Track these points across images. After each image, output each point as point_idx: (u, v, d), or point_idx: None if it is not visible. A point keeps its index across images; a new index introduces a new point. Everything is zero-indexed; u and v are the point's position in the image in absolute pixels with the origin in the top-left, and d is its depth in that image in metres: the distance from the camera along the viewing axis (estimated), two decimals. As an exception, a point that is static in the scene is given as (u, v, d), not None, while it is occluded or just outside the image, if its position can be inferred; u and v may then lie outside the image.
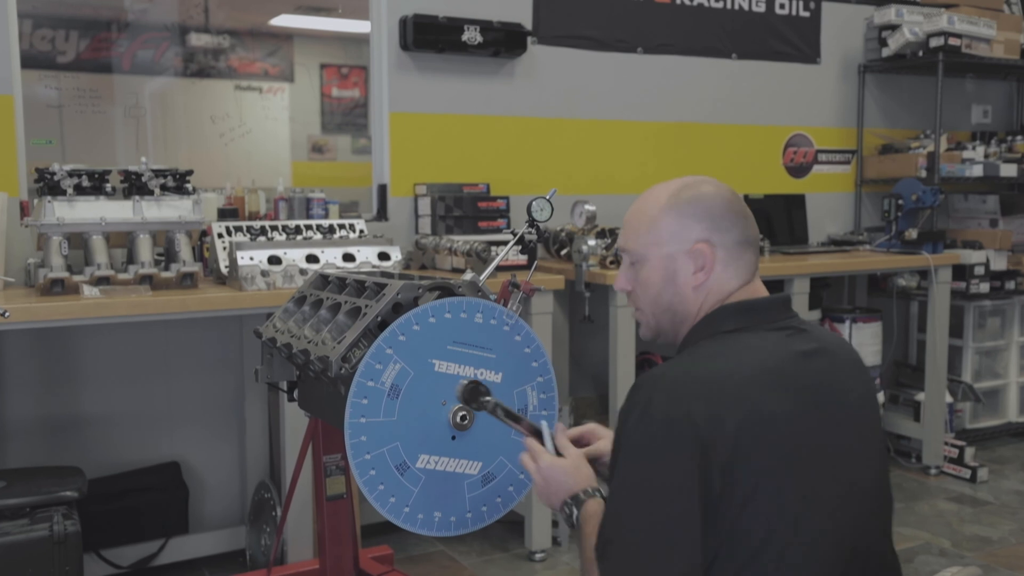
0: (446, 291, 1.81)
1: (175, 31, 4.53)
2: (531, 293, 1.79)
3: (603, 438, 1.62)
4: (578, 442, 1.60)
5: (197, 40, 4.92)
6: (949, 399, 4.05)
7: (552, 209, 1.95)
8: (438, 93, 3.49)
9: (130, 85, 4.47)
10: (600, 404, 3.77)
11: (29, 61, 4.40)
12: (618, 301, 3.15)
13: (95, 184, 2.55)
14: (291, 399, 2.17)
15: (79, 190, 2.53)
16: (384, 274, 2.08)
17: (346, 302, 1.88)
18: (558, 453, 1.52)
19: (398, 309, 1.73)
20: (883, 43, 4.23)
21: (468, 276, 1.86)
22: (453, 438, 1.70)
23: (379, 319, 1.72)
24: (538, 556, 3.07)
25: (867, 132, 4.46)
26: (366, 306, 1.78)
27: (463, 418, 1.69)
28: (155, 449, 3.05)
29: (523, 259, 3.04)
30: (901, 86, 4.54)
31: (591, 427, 1.66)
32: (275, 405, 2.93)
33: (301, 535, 2.74)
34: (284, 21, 5.45)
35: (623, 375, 3.18)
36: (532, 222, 1.93)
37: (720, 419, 1.23)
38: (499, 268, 2.03)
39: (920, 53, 4.13)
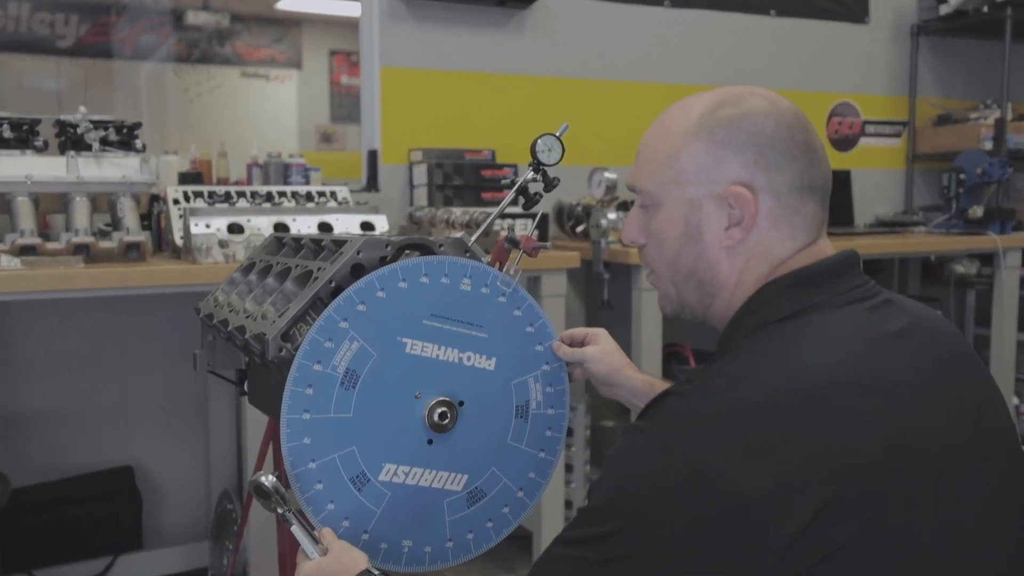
0: (424, 250, 1.39)
1: (169, 16, 4.25)
2: (534, 252, 1.36)
3: (600, 343, 1.38)
4: (576, 342, 1.39)
5: (195, 18, 4.65)
6: (1016, 401, 3.60)
7: (563, 149, 1.52)
8: (437, 46, 3.08)
9: (131, 71, 4.22)
10: (620, 403, 3.33)
11: (27, 45, 4.11)
12: (642, 284, 2.72)
13: (21, 136, 2.16)
14: (242, 392, 1.76)
15: (1, 142, 2.13)
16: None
17: (297, 266, 1.46)
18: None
19: (358, 272, 1.31)
20: (941, -1, 3.78)
21: (456, 234, 1.44)
22: (430, 442, 1.27)
23: (333, 284, 1.30)
24: (548, 578, 2.65)
25: (920, 102, 4.00)
26: (318, 269, 1.37)
27: (443, 416, 1.26)
28: (104, 452, 2.66)
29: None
30: (957, 51, 4.09)
31: (593, 331, 1.40)
32: (241, 401, 2.52)
33: (266, 553, 2.32)
34: (291, 5, 5.19)
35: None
36: (538, 166, 1.50)
37: (781, 477, 0.80)
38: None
39: (984, 9, 3.67)
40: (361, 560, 1.12)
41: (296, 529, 1.14)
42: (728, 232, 0.98)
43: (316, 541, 1.14)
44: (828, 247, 1.01)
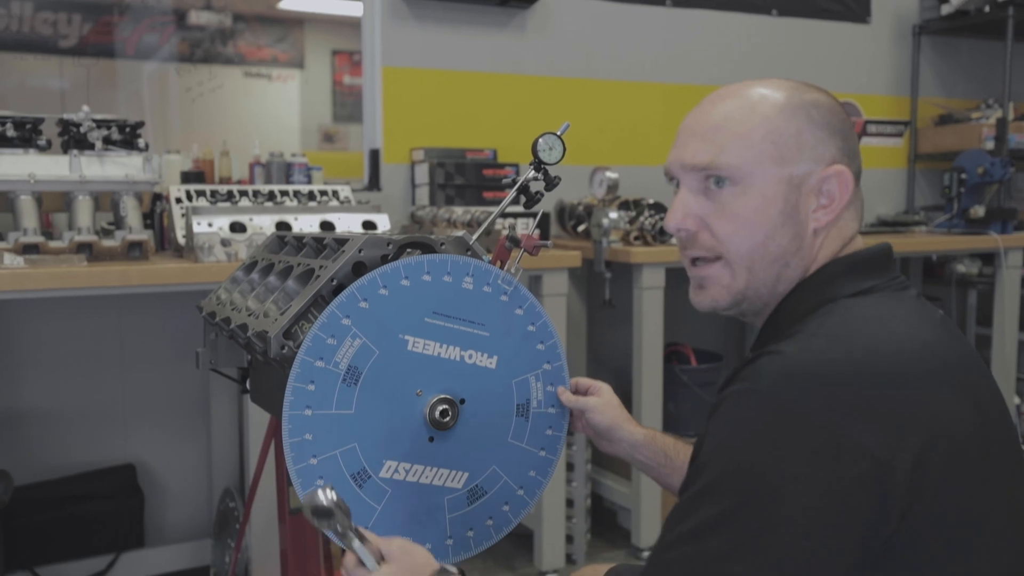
0: (426, 249, 1.39)
1: (171, 16, 4.25)
2: (535, 250, 1.37)
3: (603, 395, 1.38)
4: (580, 391, 1.39)
5: (197, 18, 4.66)
6: (1017, 401, 3.60)
7: (564, 148, 1.52)
8: (439, 46, 3.08)
9: (134, 71, 4.22)
10: (621, 402, 3.33)
11: (30, 45, 4.12)
12: (643, 283, 2.72)
13: (24, 135, 2.16)
14: (244, 390, 1.77)
15: (4, 141, 2.13)
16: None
17: (299, 264, 1.47)
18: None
19: (360, 270, 1.31)
20: (943, -1, 3.78)
21: (458, 233, 1.45)
22: (431, 440, 1.28)
23: (334, 283, 1.30)
24: (549, 577, 2.66)
25: (922, 101, 4.00)
26: (320, 267, 1.37)
27: (444, 414, 1.27)
28: (107, 450, 2.66)
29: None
30: (960, 50, 4.08)
31: (597, 384, 1.40)
32: (243, 399, 2.53)
33: (269, 551, 2.32)
34: (293, 4, 5.20)
35: (648, 369, 2.75)
36: (539, 165, 1.50)
37: (900, 437, 0.80)
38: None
39: (986, 9, 3.66)
40: (428, 559, 1.07)
41: (358, 546, 1.02)
42: (815, 214, 0.98)
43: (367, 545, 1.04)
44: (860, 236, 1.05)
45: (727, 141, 0.99)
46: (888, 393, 0.82)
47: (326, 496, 0.97)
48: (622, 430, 1.36)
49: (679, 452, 1.34)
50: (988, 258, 3.58)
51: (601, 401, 1.37)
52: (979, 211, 3.41)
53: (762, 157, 0.97)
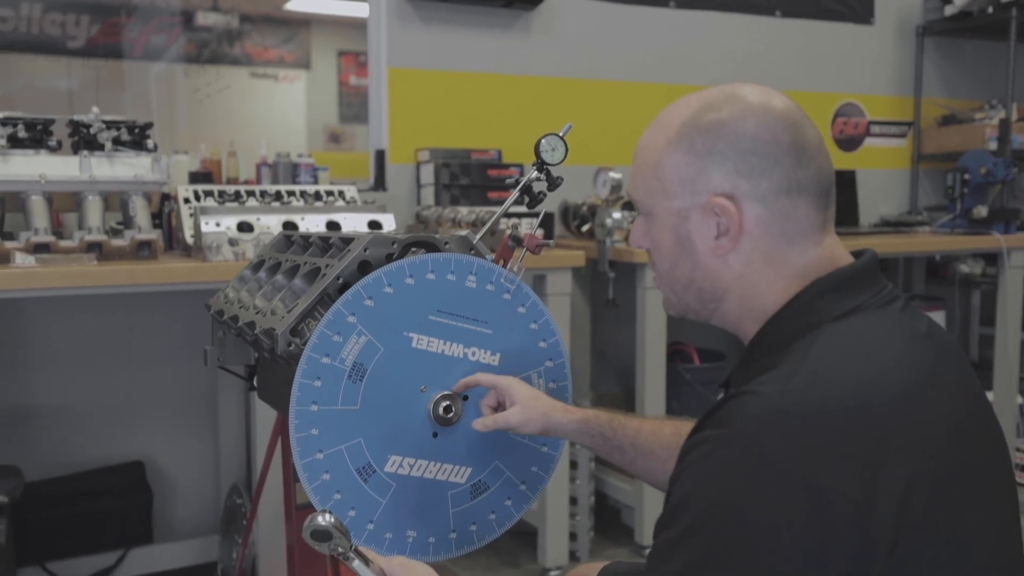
0: (430, 248, 1.42)
1: (179, 17, 4.29)
2: (537, 249, 1.39)
3: (517, 400, 1.26)
4: (500, 401, 1.29)
5: (204, 19, 4.69)
6: (1020, 400, 3.61)
7: (566, 149, 1.55)
8: (444, 47, 3.11)
9: (141, 71, 4.26)
10: (625, 401, 3.36)
11: (39, 46, 4.15)
12: (647, 283, 2.75)
13: (35, 136, 2.19)
14: (251, 387, 1.80)
15: (15, 142, 2.16)
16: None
17: (305, 263, 1.50)
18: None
19: (365, 269, 1.34)
20: (946, 0, 3.79)
21: (462, 232, 1.48)
22: (435, 435, 1.30)
23: (340, 281, 1.33)
24: (553, 573, 2.67)
25: (925, 102, 4.01)
26: (327, 266, 1.40)
27: (447, 410, 1.29)
28: (115, 447, 2.69)
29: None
30: (963, 51, 4.09)
31: (502, 382, 1.28)
32: (250, 396, 2.55)
33: (276, 546, 2.35)
34: (300, 5, 5.23)
35: (652, 368, 2.78)
36: (541, 165, 1.53)
37: (881, 478, 0.79)
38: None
39: (989, 10, 3.68)
40: (428, 572, 1.07)
41: (358, 565, 1.04)
42: (718, 241, 0.97)
43: (368, 563, 1.05)
44: (840, 248, 0.99)
45: (635, 175, 1.06)
46: (866, 433, 0.81)
47: (324, 519, 1.00)
48: (552, 421, 1.28)
49: (616, 430, 1.30)
50: (991, 258, 3.59)
51: (520, 409, 1.26)
52: (982, 211, 3.42)
53: (653, 190, 1.02)
